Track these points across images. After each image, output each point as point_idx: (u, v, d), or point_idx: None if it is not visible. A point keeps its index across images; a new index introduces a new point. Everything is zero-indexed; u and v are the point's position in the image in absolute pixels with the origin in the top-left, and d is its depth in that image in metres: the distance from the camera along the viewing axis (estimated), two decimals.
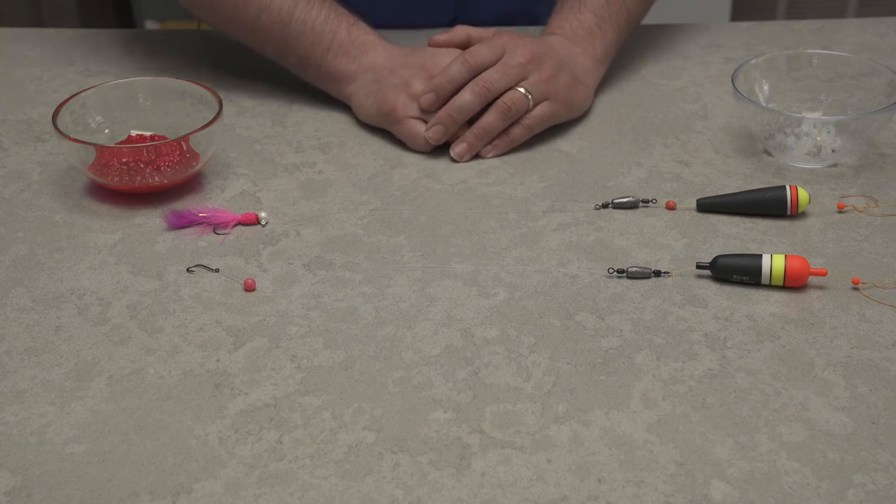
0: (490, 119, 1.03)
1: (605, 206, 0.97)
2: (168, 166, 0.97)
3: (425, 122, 1.04)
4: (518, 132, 1.05)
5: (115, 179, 0.97)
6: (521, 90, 1.03)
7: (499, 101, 1.03)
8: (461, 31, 1.11)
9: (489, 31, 1.10)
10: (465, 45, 1.10)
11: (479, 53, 1.04)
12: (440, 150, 1.06)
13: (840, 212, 0.96)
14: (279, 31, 1.08)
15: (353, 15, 1.10)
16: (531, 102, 1.04)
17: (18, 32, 1.33)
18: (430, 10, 1.29)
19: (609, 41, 1.12)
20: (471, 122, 1.05)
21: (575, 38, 1.10)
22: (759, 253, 0.89)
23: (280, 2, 1.08)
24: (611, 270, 0.88)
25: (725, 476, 0.69)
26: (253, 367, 0.79)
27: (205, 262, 0.91)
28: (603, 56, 1.12)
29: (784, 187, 0.94)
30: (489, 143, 1.04)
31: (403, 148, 1.07)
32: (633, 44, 1.24)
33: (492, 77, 1.03)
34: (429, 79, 1.04)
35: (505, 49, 1.05)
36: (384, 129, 1.09)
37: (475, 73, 1.04)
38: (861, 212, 0.96)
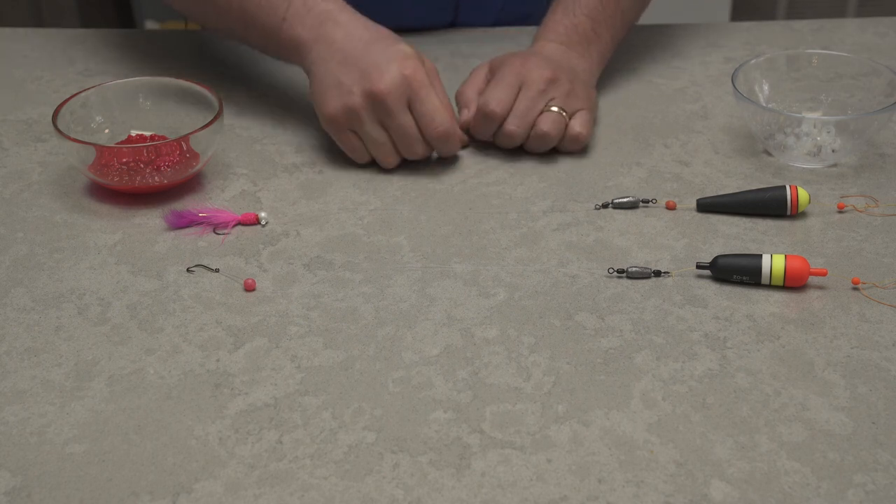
0: (532, 146, 1.04)
1: (605, 206, 0.97)
2: (168, 166, 0.97)
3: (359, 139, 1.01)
4: (570, 147, 1.05)
5: (115, 179, 0.97)
6: (555, 109, 1.02)
7: (537, 130, 1.02)
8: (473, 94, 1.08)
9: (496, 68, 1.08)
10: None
11: (501, 100, 1.02)
12: None
13: (840, 212, 0.96)
14: (237, 6, 1.04)
15: None
16: (567, 116, 1.03)
17: (18, 32, 1.33)
18: (427, 12, 1.28)
19: (604, 43, 1.12)
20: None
21: (570, 42, 1.09)
22: (759, 253, 0.89)
23: None
24: (611, 270, 0.88)
25: (725, 476, 0.69)
26: (253, 367, 0.79)
27: (205, 262, 0.91)
28: (598, 59, 1.11)
29: (784, 187, 0.94)
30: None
31: None
32: (633, 44, 1.24)
33: (517, 122, 1.02)
34: (369, 93, 0.97)
35: (521, 81, 1.03)
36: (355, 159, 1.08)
37: (503, 119, 1.02)
38: (861, 212, 0.96)
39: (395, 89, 0.97)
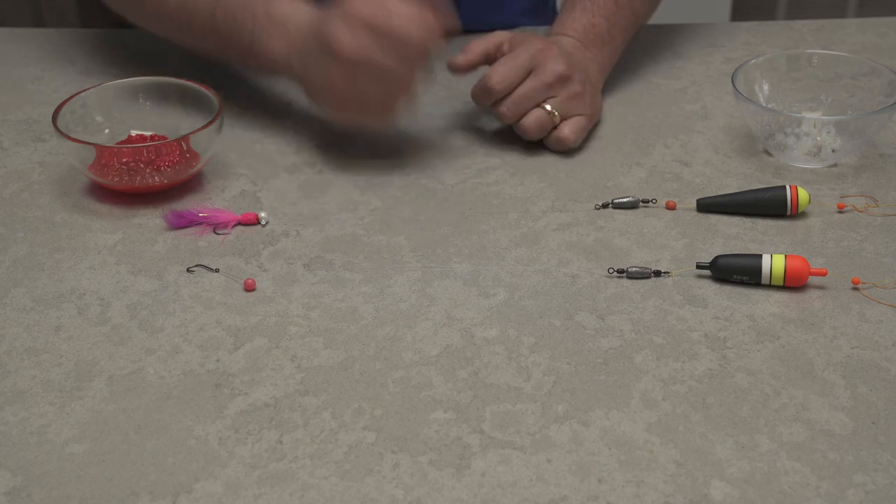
0: (517, 131, 1.04)
1: (605, 206, 0.97)
2: (168, 166, 0.97)
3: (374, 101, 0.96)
4: (549, 146, 1.05)
5: (115, 179, 0.97)
6: (548, 108, 1.02)
7: (521, 123, 1.02)
8: (491, 43, 1.06)
9: (516, 37, 1.07)
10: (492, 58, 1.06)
11: (506, 78, 1.01)
12: (440, 150, 1.06)
13: (840, 212, 0.96)
14: (211, 33, 1.05)
15: None
16: (557, 119, 1.03)
17: (18, 32, 1.33)
18: None
19: (616, 48, 1.11)
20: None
21: (586, 41, 1.09)
22: (759, 253, 0.89)
23: (204, 1, 1.04)
24: (611, 270, 0.88)
25: (725, 476, 0.69)
26: (253, 367, 0.79)
27: (205, 262, 0.91)
28: (609, 64, 1.11)
29: (784, 187, 0.94)
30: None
31: (403, 148, 1.07)
32: (633, 44, 1.24)
33: (510, 107, 1.02)
34: (338, 59, 0.93)
35: (533, 65, 1.02)
36: (384, 130, 1.09)
37: (500, 97, 1.02)
38: (861, 212, 0.96)
39: (352, 38, 0.92)
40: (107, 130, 1.04)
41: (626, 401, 0.75)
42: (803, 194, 0.94)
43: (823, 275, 0.86)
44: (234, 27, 1.02)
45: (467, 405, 0.75)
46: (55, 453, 0.72)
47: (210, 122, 0.98)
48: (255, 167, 1.04)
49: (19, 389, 0.78)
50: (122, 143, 1.01)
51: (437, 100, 1.15)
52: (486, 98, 1.03)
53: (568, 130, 1.03)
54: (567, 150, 1.05)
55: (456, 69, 1.06)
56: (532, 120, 1.02)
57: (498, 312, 0.84)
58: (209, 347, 0.81)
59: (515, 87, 1.02)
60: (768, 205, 0.94)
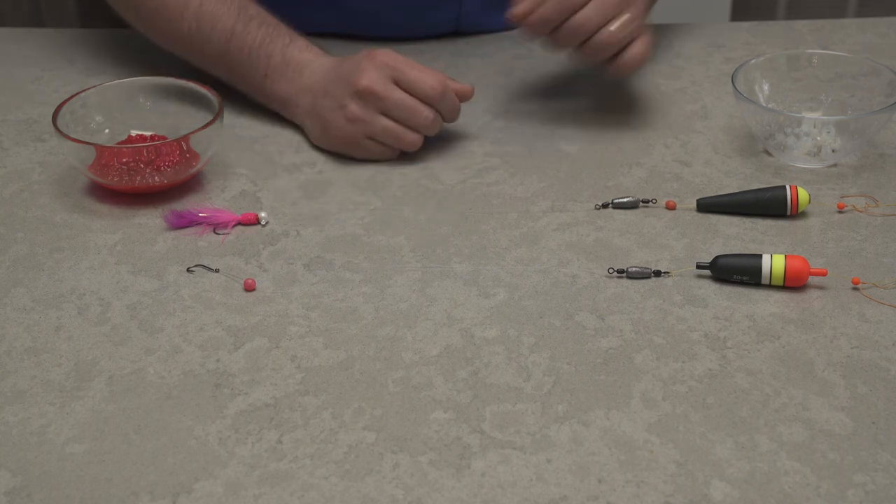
0: (589, 53, 1.01)
1: (605, 206, 0.97)
2: (168, 166, 0.97)
3: (377, 141, 1.03)
4: (617, 71, 1.03)
5: (115, 179, 0.97)
6: (613, 28, 0.99)
7: (590, 43, 0.99)
8: None
9: None
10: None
11: None
12: (440, 150, 1.06)
13: (840, 212, 0.96)
14: (221, 61, 1.09)
15: (289, 32, 1.07)
16: (624, 41, 1.00)
17: (18, 32, 1.33)
18: (430, 23, 1.27)
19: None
20: None
21: None
22: (759, 253, 0.89)
23: (219, 30, 1.07)
24: (611, 270, 0.88)
25: (725, 476, 0.69)
26: (253, 367, 0.79)
27: (205, 262, 0.91)
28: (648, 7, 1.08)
29: (784, 187, 0.94)
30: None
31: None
32: None
33: (586, 20, 0.98)
34: (357, 93, 1.00)
35: None
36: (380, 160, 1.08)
37: (569, 13, 0.99)
38: (861, 212, 0.96)
39: (376, 76, 1.00)
40: (107, 130, 1.05)
41: (626, 401, 0.75)
42: (803, 194, 0.94)
43: (823, 275, 0.86)
44: (248, 63, 1.07)
45: (467, 405, 0.75)
46: (55, 453, 0.72)
47: (210, 122, 0.98)
48: (255, 167, 1.04)
49: (19, 389, 0.78)
50: (122, 143, 1.01)
51: None
52: (565, 6, 0.98)
53: (641, 46, 1.01)
54: (632, 72, 1.03)
55: (519, 17, 1.01)
56: (600, 40, 0.99)
57: (498, 312, 0.84)
58: (209, 347, 0.81)
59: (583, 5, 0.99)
60: (768, 205, 0.94)
